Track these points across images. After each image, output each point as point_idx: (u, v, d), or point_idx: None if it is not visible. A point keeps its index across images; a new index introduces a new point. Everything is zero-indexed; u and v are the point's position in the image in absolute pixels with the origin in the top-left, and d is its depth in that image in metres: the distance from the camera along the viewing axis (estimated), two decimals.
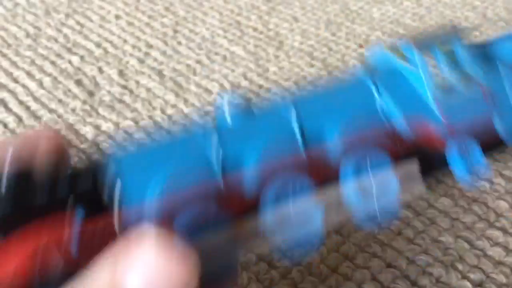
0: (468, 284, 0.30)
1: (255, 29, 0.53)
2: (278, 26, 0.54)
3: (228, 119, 0.21)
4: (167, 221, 0.19)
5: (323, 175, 0.20)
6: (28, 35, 0.52)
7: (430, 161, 0.21)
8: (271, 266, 0.31)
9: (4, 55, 0.49)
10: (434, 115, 0.21)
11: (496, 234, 0.33)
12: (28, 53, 0.50)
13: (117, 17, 0.55)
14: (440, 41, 0.23)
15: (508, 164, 0.37)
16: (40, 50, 0.50)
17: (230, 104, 0.21)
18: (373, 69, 0.23)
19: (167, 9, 0.56)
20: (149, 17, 0.55)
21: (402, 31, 0.53)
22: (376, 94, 0.22)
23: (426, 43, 0.23)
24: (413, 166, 0.21)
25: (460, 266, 0.31)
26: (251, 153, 0.20)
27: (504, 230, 0.33)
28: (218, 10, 0.56)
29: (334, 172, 0.21)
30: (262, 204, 0.20)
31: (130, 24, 0.54)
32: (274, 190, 0.20)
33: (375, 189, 0.20)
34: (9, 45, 0.51)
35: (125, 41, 0.51)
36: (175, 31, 0.53)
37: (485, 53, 0.24)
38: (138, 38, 0.52)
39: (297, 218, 0.20)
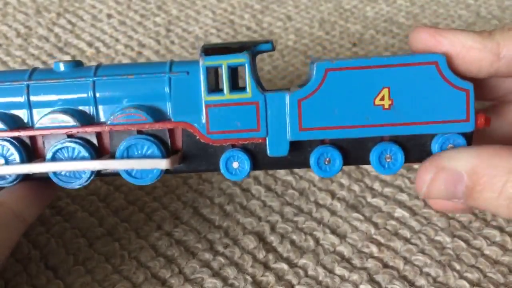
0: (465, 283, 0.30)
1: (248, 28, 0.53)
2: (272, 25, 0.53)
3: None
4: None
5: None
6: (18, 34, 0.51)
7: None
8: (266, 267, 0.31)
9: None
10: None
11: (493, 233, 0.32)
12: (19, 52, 0.49)
13: (109, 16, 0.54)
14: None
15: None
16: (31, 50, 0.49)
17: None
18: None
19: (159, 8, 0.56)
20: (142, 16, 0.54)
21: (396, 30, 0.52)
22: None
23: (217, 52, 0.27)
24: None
25: (457, 266, 0.31)
26: None
27: (500, 229, 0.33)
28: (211, 9, 0.55)
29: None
30: None
31: (122, 23, 0.53)
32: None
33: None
34: None
35: (117, 40, 0.51)
36: (168, 30, 0.52)
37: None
38: (131, 37, 0.51)
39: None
